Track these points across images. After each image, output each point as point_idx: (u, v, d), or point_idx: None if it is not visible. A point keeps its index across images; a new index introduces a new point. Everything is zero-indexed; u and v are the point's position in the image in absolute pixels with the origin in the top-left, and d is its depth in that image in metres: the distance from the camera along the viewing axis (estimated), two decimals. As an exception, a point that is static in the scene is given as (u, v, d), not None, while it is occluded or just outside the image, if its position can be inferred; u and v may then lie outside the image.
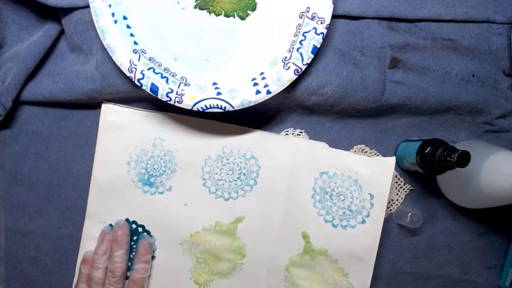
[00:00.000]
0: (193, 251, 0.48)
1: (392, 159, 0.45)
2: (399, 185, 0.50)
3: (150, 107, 0.48)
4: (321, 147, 0.47)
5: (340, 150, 0.47)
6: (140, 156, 0.48)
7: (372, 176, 0.46)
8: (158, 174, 0.48)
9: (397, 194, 0.50)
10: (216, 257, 0.48)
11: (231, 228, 0.48)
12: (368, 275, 0.46)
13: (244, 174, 0.48)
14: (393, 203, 0.50)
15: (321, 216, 0.47)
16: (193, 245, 0.48)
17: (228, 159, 0.47)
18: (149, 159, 0.48)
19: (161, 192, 0.48)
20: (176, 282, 0.49)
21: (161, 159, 0.48)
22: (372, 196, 0.46)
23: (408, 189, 0.50)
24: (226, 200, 0.48)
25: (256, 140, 0.47)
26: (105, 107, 0.47)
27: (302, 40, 0.43)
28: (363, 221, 0.46)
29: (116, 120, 0.47)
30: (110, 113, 0.47)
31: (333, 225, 0.47)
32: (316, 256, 0.47)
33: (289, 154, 0.47)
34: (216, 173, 0.48)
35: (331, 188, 0.47)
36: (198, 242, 0.48)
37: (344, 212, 0.47)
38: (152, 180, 0.48)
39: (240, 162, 0.47)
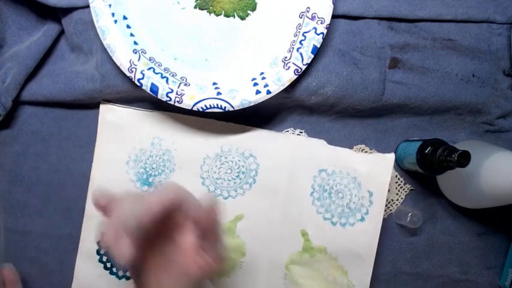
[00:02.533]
0: None
1: (391, 156, 0.45)
2: (399, 185, 0.50)
3: (150, 107, 0.48)
4: (320, 144, 0.47)
5: (339, 147, 0.47)
6: (139, 155, 0.48)
7: (371, 173, 0.46)
8: (157, 173, 0.48)
9: (397, 194, 0.50)
10: None
11: (230, 227, 0.48)
12: (367, 272, 0.46)
13: (243, 173, 0.48)
14: (393, 203, 0.50)
15: (320, 214, 0.47)
16: None
17: (226, 158, 0.47)
18: (148, 159, 0.48)
19: None
20: None
21: (159, 158, 0.48)
22: (371, 193, 0.46)
23: (408, 189, 0.50)
24: (225, 198, 0.48)
25: (254, 138, 0.47)
26: (103, 107, 0.47)
27: (302, 40, 0.43)
28: (362, 219, 0.46)
29: (115, 120, 0.47)
30: (109, 113, 0.47)
31: (332, 223, 0.47)
32: (316, 254, 0.47)
33: (287, 152, 0.47)
34: (215, 172, 0.48)
35: (330, 186, 0.47)
36: None
37: (343, 210, 0.47)
38: (150, 179, 0.48)
39: (239, 160, 0.47)
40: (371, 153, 0.48)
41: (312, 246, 0.47)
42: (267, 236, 0.48)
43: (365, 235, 0.46)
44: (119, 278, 0.48)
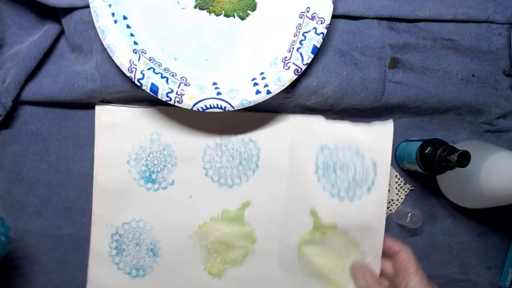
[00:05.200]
0: (204, 242, 0.48)
1: (390, 122, 0.45)
2: (399, 185, 0.50)
3: (149, 106, 0.48)
4: (318, 121, 0.47)
5: (337, 121, 0.47)
6: (139, 153, 0.47)
7: (372, 142, 0.46)
8: (159, 169, 0.48)
9: (397, 194, 0.50)
10: (227, 246, 0.48)
11: (238, 215, 0.48)
12: (379, 242, 0.46)
13: (245, 159, 0.47)
14: (393, 203, 0.50)
15: (327, 190, 0.47)
16: (202, 236, 0.48)
17: (226, 146, 0.47)
18: (149, 156, 0.47)
19: (165, 187, 0.48)
20: (190, 275, 0.48)
21: (160, 154, 0.47)
22: (374, 163, 0.46)
23: (408, 189, 0.50)
24: (231, 187, 0.48)
25: (252, 122, 0.47)
26: (99, 108, 0.47)
27: (302, 40, 0.43)
28: (369, 190, 0.46)
29: (112, 120, 0.47)
30: (105, 114, 0.47)
31: (340, 198, 0.46)
32: (327, 231, 0.47)
33: (287, 133, 0.47)
34: (217, 161, 0.48)
35: (333, 161, 0.47)
36: (208, 233, 0.48)
37: (349, 183, 0.46)
38: (154, 176, 0.48)
39: (239, 147, 0.47)
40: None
41: (322, 224, 0.47)
42: (276, 220, 0.48)
43: (373, 206, 0.46)
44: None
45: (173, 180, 0.48)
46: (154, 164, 0.48)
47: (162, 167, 0.48)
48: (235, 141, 0.47)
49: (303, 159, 0.47)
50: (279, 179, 0.47)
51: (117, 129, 0.47)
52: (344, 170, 0.46)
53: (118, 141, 0.47)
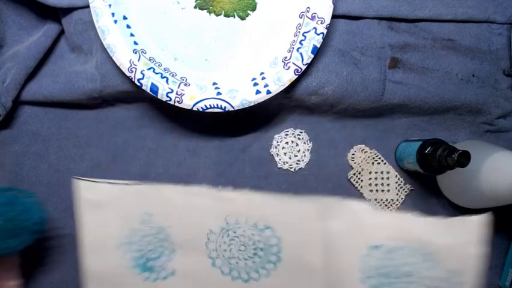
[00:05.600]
0: None
1: (474, 219, 0.32)
2: (399, 185, 0.50)
3: (150, 108, 0.48)
4: (364, 210, 0.35)
5: (396, 213, 0.36)
6: (130, 237, 0.40)
7: (451, 245, 0.33)
8: (155, 256, 0.40)
9: (397, 194, 0.50)
10: None
11: None
12: None
13: (261, 250, 0.39)
14: (393, 203, 0.50)
15: None
16: None
17: (235, 232, 0.39)
18: (141, 240, 0.40)
19: (165, 278, 0.40)
20: None
21: (154, 238, 0.40)
22: (456, 274, 0.33)
23: (408, 189, 0.50)
24: (246, 281, 0.39)
25: (267, 205, 0.38)
26: (80, 185, 0.39)
27: (302, 40, 0.43)
28: None
29: (96, 199, 0.39)
30: (87, 191, 0.39)
31: None
32: None
33: (318, 219, 0.36)
34: (225, 250, 0.40)
35: (389, 269, 0.34)
36: None
37: None
38: (150, 264, 0.40)
39: (252, 234, 0.39)
40: (371, 154, 0.47)
41: None
42: None
43: None
44: None
45: (173, 270, 0.40)
46: (149, 250, 0.40)
47: (159, 253, 0.40)
48: (245, 227, 0.38)
49: (344, 259, 0.36)
50: (310, 278, 0.37)
51: (102, 208, 0.39)
52: (409, 281, 0.34)
53: (105, 222, 0.40)
